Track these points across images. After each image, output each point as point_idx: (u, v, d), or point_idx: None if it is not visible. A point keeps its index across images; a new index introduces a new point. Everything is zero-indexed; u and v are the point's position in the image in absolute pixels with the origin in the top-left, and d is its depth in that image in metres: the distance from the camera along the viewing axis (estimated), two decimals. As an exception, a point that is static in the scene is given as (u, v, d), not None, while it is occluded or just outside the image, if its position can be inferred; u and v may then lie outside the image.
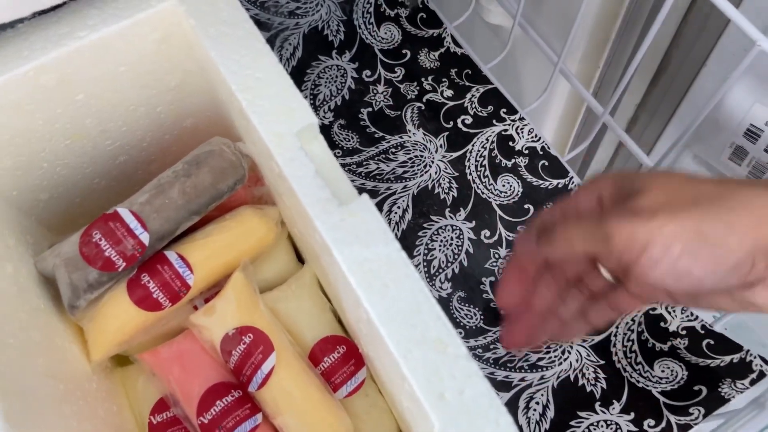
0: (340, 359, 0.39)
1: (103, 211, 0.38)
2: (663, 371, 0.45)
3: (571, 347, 0.47)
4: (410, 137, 0.56)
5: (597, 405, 0.44)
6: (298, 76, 0.58)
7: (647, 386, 0.44)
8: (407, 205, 0.53)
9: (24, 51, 0.32)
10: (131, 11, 0.32)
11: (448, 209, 0.52)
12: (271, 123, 0.31)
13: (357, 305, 0.29)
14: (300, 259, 0.45)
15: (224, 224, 0.40)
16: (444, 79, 0.58)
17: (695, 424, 0.43)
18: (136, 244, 0.37)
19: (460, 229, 0.51)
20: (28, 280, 0.35)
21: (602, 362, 0.46)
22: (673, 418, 0.43)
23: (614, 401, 0.44)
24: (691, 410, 0.43)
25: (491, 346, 0.47)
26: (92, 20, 0.32)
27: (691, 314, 0.47)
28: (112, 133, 0.38)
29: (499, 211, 0.52)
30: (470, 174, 0.54)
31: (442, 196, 0.53)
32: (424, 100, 0.57)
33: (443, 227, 0.52)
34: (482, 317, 0.48)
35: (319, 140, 0.32)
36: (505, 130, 0.55)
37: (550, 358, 0.46)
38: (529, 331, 0.35)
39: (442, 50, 0.59)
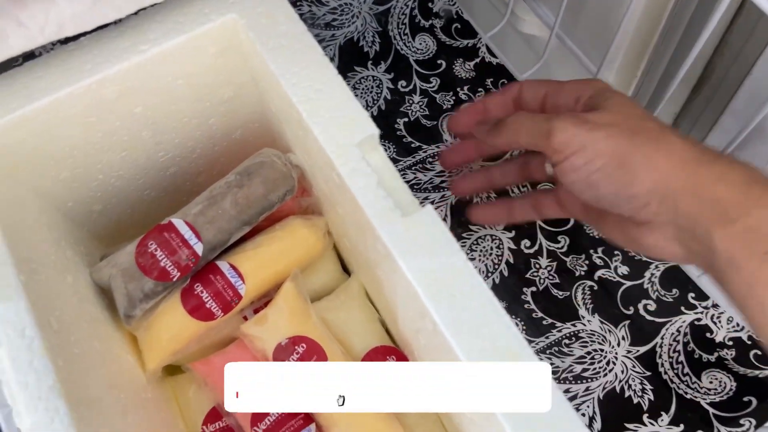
0: (390, 369, 0.39)
1: (151, 222, 0.38)
2: (711, 382, 0.45)
3: (616, 359, 0.46)
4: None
5: (645, 417, 0.44)
6: (334, 87, 0.59)
7: (695, 398, 0.44)
8: (446, 215, 0.53)
9: (87, 64, 0.33)
10: (192, 25, 0.33)
11: (487, 219, 0.52)
12: (333, 134, 0.31)
13: (422, 315, 0.29)
14: (345, 270, 0.46)
15: (274, 234, 0.40)
16: (480, 89, 0.58)
17: (747, 435, 0.42)
18: (190, 254, 0.37)
19: (500, 239, 0.51)
20: (86, 291, 0.35)
21: (648, 373, 0.45)
22: (724, 430, 0.42)
23: (662, 413, 0.44)
24: (741, 421, 0.43)
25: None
26: (154, 34, 0.33)
27: (737, 325, 0.46)
28: (165, 145, 0.39)
29: (538, 221, 0.52)
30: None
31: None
32: (459, 109, 0.57)
33: (483, 237, 0.52)
34: (524, 328, 0.48)
35: (379, 151, 0.32)
36: (543, 140, 0.55)
37: (594, 369, 0.46)
38: (465, 156, 0.41)
39: (477, 60, 0.60)
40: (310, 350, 0.37)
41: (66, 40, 0.33)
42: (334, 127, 0.31)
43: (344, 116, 0.31)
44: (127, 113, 0.35)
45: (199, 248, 0.37)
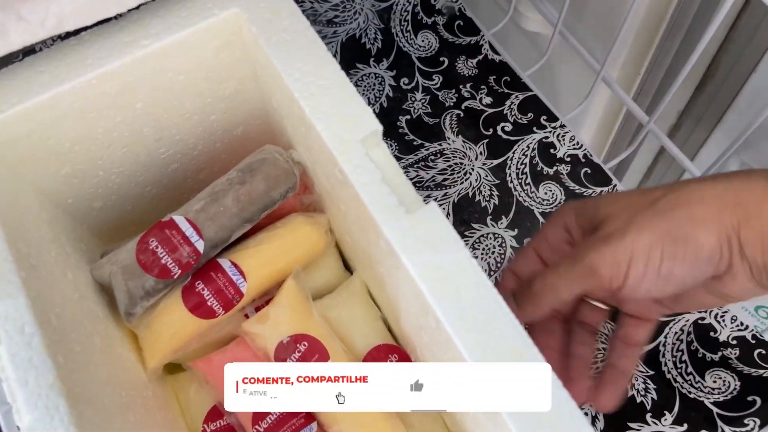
0: (392, 368, 0.39)
1: (152, 219, 0.38)
2: (715, 382, 0.44)
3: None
4: (449, 144, 0.56)
5: (648, 416, 0.44)
6: (335, 84, 0.58)
7: (699, 397, 0.44)
8: (448, 213, 0.53)
9: (88, 59, 0.32)
10: (194, 19, 0.33)
11: (489, 217, 0.52)
12: (336, 130, 0.31)
13: (425, 312, 0.28)
14: (346, 268, 0.45)
15: (276, 232, 0.39)
16: (482, 87, 0.58)
17: (751, 435, 0.42)
18: (191, 251, 0.37)
19: (503, 237, 0.51)
20: (86, 288, 0.35)
21: (651, 373, 0.45)
22: (728, 429, 0.42)
23: (666, 412, 0.44)
24: (746, 421, 0.42)
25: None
26: (155, 29, 0.33)
27: (741, 324, 0.46)
28: (166, 141, 0.39)
29: (541, 219, 0.52)
30: (511, 181, 0.53)
31: (483, 204, 0.53)
32: (462, 107, 0.57)
33: (485, 235, 0.51)
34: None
35: (382, 147, 0.32)
36: (546, 138, 0.55)
37: (597, 368, 0.46)
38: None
39: (480, 57, 0.59)
40: (311, 348, 0.37)
41: (67, 35, 0.33)
42: (336, 123, 0.31)
43: (347, 112, 0.31)
44: (129, 109, 0.35)
45: (200, 245, 0.37)
